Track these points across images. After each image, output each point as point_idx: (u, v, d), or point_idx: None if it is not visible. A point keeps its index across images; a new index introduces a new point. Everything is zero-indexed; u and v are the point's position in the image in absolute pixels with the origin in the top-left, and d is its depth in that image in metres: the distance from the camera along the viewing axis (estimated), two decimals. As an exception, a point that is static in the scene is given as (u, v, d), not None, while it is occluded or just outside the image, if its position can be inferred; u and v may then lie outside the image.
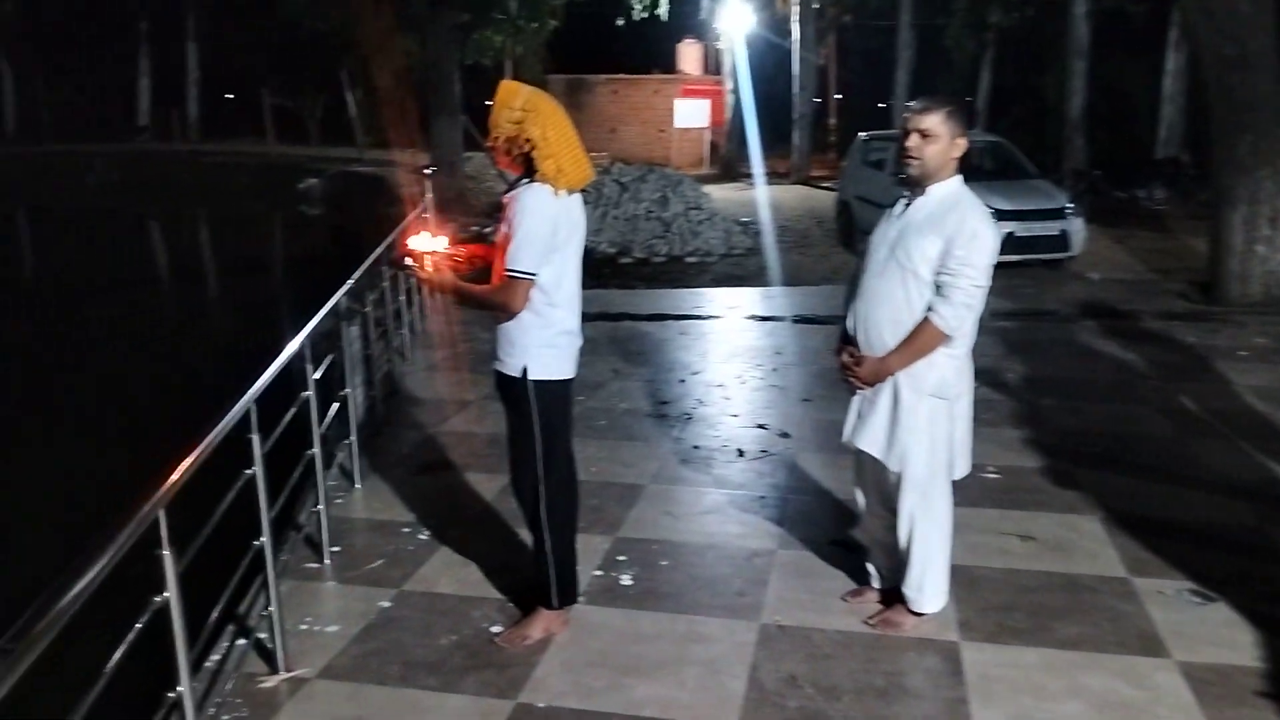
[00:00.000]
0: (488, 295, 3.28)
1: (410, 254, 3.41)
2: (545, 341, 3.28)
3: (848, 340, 3.44)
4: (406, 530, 4.41)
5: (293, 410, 3.82)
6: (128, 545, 2.05)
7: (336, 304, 4.92)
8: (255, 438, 3.10)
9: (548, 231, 3.16)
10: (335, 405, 4.92)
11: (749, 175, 24.72)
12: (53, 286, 16.83)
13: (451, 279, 3.38)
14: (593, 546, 4.16)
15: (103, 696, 2.09)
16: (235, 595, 3.43)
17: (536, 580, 3.45)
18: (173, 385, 8.31)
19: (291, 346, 3.71)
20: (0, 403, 8.87)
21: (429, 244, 3.40)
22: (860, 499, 3.69)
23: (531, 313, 3.25)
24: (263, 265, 18.73)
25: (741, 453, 5.36)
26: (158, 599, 2.27)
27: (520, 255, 3.14)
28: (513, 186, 3.27)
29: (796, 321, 8.75)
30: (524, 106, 3.17)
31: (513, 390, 3.33)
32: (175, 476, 2.31)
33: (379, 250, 6.82)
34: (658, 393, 6.52)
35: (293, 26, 29.20)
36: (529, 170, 3.22)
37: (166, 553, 2.27)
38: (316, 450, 4.02)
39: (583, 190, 3.34)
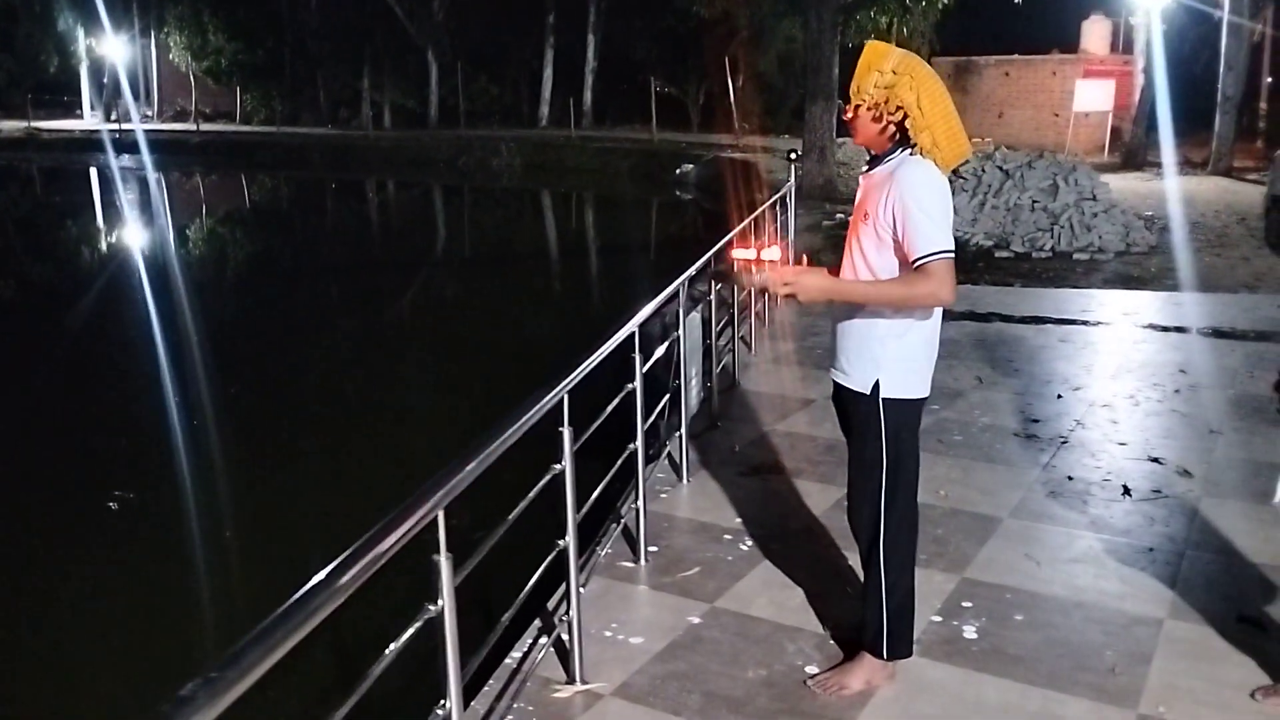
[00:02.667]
0: (898, 289, 2.70)
1: (741, 265, 2.94)
2: (904, 353, 2.80)
3: (1292, 373, 2.65)
4: (728, 537, 4.10)
5: (614, 404, 3.62)
6: (393, 551, 1.87)
7: (677, 290, 4.67)
8: (566, 431, 2.90)
9: (945, 208, 2.70)
10: (667, 397, 4.73)
11: (1157, 164, 22.06)
12: (451, 258, 18.50)
13: (822, 277, 2.85)
14: (933, 586, 3.61)
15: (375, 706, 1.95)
16: (546, 588, 3.30)
17: (865, 623, 2.99)
18: (529, 358, 8.62)
19: (618, 336, 3.48)
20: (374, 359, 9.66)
21: (761, 254, 2.90)
22: (1290, 575, 2.87)
23: (889, 317, 2.79)
24: (636, 246, 19.39)
25: (1128, 491, 4.52)
26: (431, 608, 2.09)
27: (934, 233, 2.65)
28: (875, 163, 2.82)
29: (1207, 335, 7.46)
30: (895, 69, 2.70)
31: (858, 408, 2.88)
32: (457, 478, 2.11)
33: (731, 234, 6.57)
34: (1028, 408, 5.74)
35: (683, 15, 30.03)
36: (900, 143, 2.76)
37: (442, 558, 2.08)
38: (639, 445, 3.81)
39: (957, 175, 2.80)
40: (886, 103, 2.72)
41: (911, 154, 2.73)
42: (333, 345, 10.55)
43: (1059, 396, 5.96)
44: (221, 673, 1.40)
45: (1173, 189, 17.32)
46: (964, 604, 3.51)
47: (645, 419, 3.90)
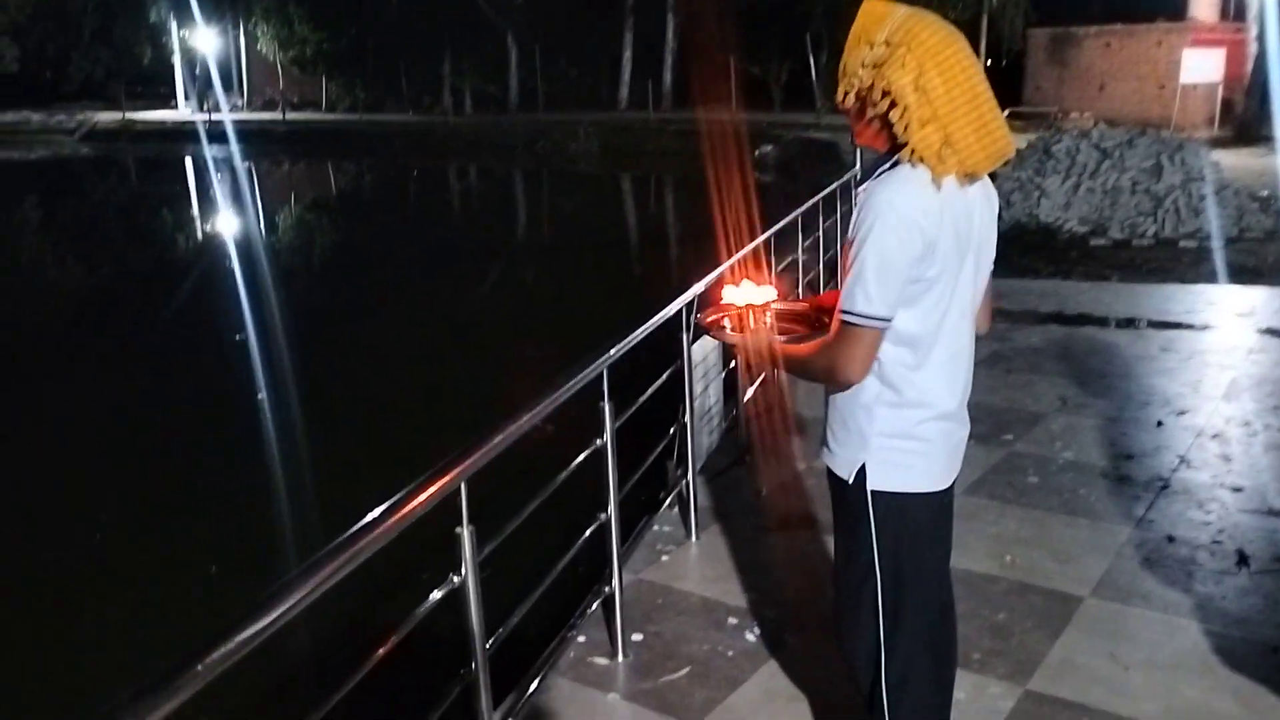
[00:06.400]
0: (812, 356, 2.00)
1: (725, 310, 2.18)
2: (899, 429, 1.99)
3: None
4: (734, 621, 3.33)
5: (575, 463, 2.87)
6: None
7: (679, 316, 3.86)
8: (465, 532, 2.14)
9: (913, 250, 1.85)
10: (674, 428, 3.98)
11: (1271, 139, 20.31)
12: (518, 246, 17.96)
13: (771, 342, 2.10)
14: (986, 703, 2.80)
15: None
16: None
17: (872, 785, 2.22)
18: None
19: (556, 395, 2.59)
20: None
21: (751, 295, 2.15)
22: None
23: (880, 382, 1.99)
24: (708, 233, 18.56)
25: (1244, 559, 3.60)
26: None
27: (862, 289, 1.86)
28: (871, 173, 2.01)
29: (1341, 342, 6.38)
30: (890, 39, 1.85)
31: (842, 498, 2.10)
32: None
33: (770, 232, 5.77)
34: (1121, 440, 4.81)
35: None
36: (899, 144, 1.92)
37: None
38: (612, 515, 3.04)
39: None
40: (871, 88, 1.90)
41: (895, 165, 1.89)
42: (401, 332, 10.43)
43: (1159, 424, 5.01)
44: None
45: (1293, 166, 15.76)
46: (1025, 734, 2.69)
47: (621, 485, 3.12)
